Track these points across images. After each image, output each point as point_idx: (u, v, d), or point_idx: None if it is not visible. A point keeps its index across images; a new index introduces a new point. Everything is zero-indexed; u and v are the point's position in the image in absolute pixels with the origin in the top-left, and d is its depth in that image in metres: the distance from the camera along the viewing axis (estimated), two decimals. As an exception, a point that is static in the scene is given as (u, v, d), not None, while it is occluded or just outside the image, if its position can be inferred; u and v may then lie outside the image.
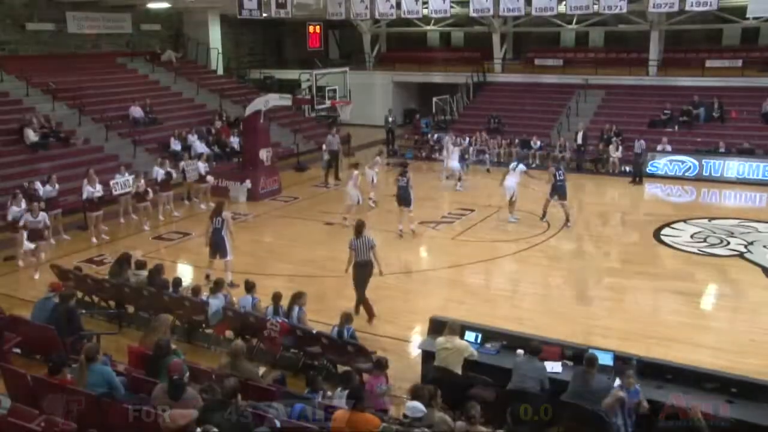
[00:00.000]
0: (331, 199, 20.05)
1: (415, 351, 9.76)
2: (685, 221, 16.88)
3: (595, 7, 25.74)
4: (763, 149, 21.70)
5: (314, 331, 9.39)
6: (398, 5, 29.13)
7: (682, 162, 21.89)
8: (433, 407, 6.61)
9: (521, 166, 17.16)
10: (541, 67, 30.21)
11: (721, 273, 13.51)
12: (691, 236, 15.70)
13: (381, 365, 7.89)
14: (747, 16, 24.35)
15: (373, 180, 18.95)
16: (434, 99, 29.80)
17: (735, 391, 7.38)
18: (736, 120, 23.92)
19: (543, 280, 13.60)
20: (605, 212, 18.72)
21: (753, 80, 25.01)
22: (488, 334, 8.82)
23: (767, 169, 20.80)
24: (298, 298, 9.82)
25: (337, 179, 21.87)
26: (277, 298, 9.86)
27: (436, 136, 26.07)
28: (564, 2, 26.27)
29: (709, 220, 16.78)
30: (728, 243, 15.03)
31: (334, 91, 22.24)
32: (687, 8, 24.31)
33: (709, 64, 26.79)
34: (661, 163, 22.10)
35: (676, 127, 23.97)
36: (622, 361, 7.95)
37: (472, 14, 28.51)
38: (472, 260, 14.31)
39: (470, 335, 8.69)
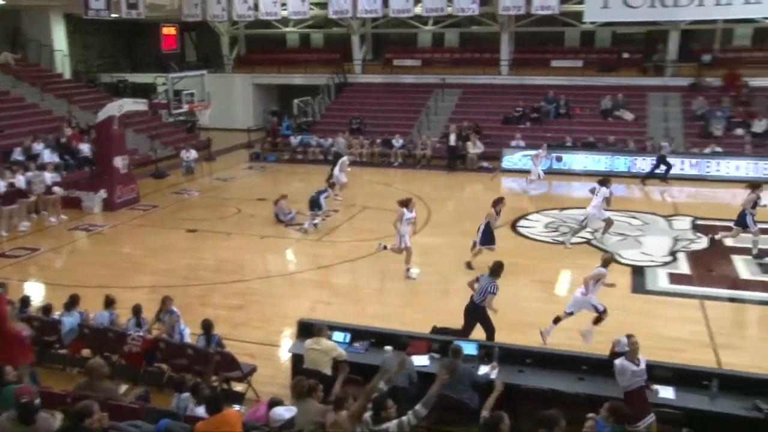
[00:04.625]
0: (192, 205, 19.46)
1: (285, 355, 9.67)
2: (539, 212, 17.85)
3: (449, 9, 26.70)
4: (604, 143, 23.37)
5: (180, 342, 9.06)
6: (256, 7, 28.78)
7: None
8: (314, 399, 6.66)
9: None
10: (400, 68, 30.84)
11: (573, 259, 14.38)
12: (545, 226, 16.63)
13: None
14: (584, 20, 26.20)
15: (340, 181, 19.20)
16: (295, 101, 29.66)
17: (585, 368, 7.88)
18: (580, 116, 25.63)
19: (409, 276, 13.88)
20: (466, 207, 19.37)
21: (592, 79, 27.00)
22: (357, 333, 8.88)
23: (608, 162, 22.42)
24: (165, 303, 9.47)
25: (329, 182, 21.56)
26: (137, 311, 9.42)
27: (329, 141, 25.72)
28: (420, 4, 27.01)
29: (560, 211, 17.83)
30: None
31: (192, 94, 21.61)
32: (533, 11, 25.87)
33: (554, 64, 28.55)
34: (515, 158, 23.24)
35: (528, 123, 25.32)
36: (485, 349, 8.29)
37: (332, 16, 28.69)
38: (339, 261, 14.37)
39: (339, 335, 8.71)
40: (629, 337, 7.32)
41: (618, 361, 7.23)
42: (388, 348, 8.09)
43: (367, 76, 30.67)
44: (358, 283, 13.67)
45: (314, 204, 16.61)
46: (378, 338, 8.69)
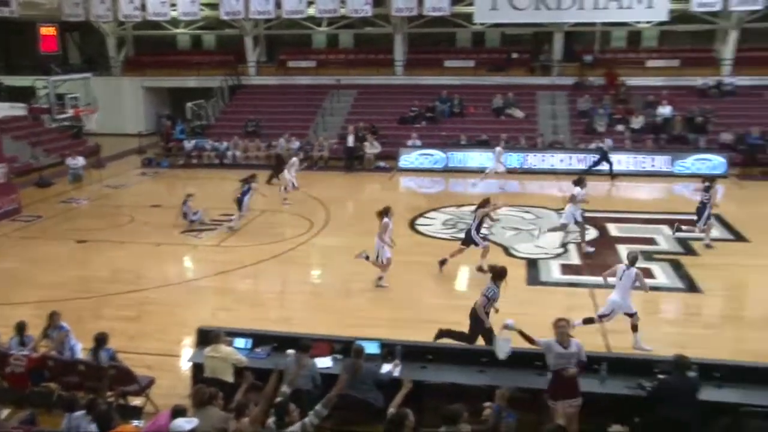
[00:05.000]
0: (82, 215, 18.60)
1: (185, 365, 9.40)
2: (437, 210, 18.20)
3: (343, 10, 26.82)
4: (497, 140, 24.05)
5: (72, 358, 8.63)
6: (143, 7, 27.83)
7: (432, 155, 23.58)
8: (215, 406, 6.55)
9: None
10: (295, 69, 30.67)
11: (470, 254, 14.72)
12: (443, 223, 16.98)
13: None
14: (474, 21, 26.96)
15: (293, 184, 19.10)
16: (188, 104, 28.89)
17: (485, 360, 8.10)
18: (473, 115, 26.34)
19: (310, 278, 13.85)
20: (365, 207, 19.45)
21: (484, 79, 27.81)
22: (258, 338, 8.76)
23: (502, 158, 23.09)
24: (52, 318, 8.99)
25: (270, 183, 21.10)
26: (21, 328, 8.90)
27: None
28: (313, 6, 26.96)
29: (457, 208, 18.24)
30: (474, 227, 16.49)
31: (77, 98, 20.63)
32: (425, 13, 26.42)
33: (447, 64, 29.21)
34: (412, 157, 23.60)
35: (424, 123, 25.77)
36: (387, 348, 8.37)
37: (223, 17, 28.21)
38: (239, 266, 14.12)
39: (240, 341, 8.57)
40: (557, 320, 7.54)
41: (545, 340, 7.47)
42: (290, 351, 8.02)
43: (261, 78, 30.28)
44: (259, 287, 13.49)
45: (239, 204, 16.39)
46: (280, 342, 8.59)
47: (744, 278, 13.12)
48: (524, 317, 8.81)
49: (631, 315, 10.10)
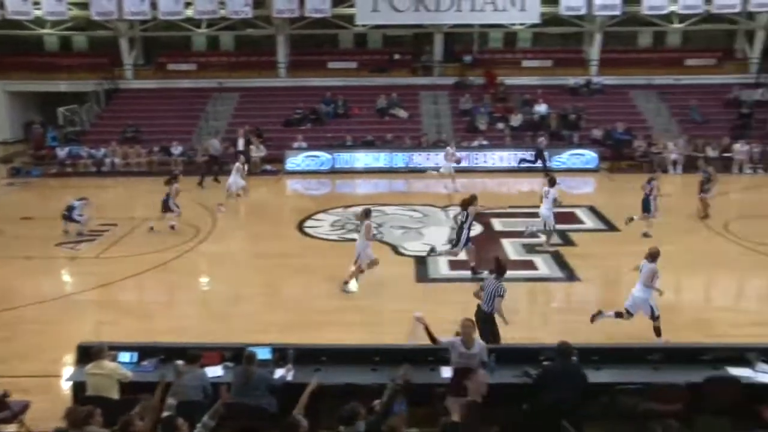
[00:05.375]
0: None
1: (65, 385, 8.89)
2: (325, 212, 18.18)
3: (222, 11, 26.29)
4: (382, 140, 24.40)
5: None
6: (2, 5, 26.08)
7: (318, 157, 23.54)
8: (94, 425, 6.25)
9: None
10: (175, 72, 29.69)
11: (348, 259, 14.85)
12: (331, 225, 16.98)
13: None
14: (356, 23, 27.16)
15: (232, 188, 18.49)
16: (60, 110, 27.37)
17: (377, 359, 8.17)
18: (358, 116, 26.53)
19: (198, 286, 13.48)
20: (252, 211, 19.19)
21: (367, 80, 28.09)
22: (145, 351, 8.41)
23: (387, 158, 23.44)
24: None
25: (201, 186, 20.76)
26: None
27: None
28: (191, 7, 26.23)
29: (345, 209, 18.29)
30: (363, 227, 16.61)
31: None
32: (306, 14, 26.36)
33: (330, 65, 29.24)
34: (299, 159, 23.46)
35: (309, 125, 25.68)
36: (280, 352, 8.27)
37: (95, 17, 27.00)
38: (122, 277, 13.52)
39: (125, 356, 8.19)
40: (464, 320, 7.66)
41: (449, 339, 7.59)
42: (179, 363, 7.76)
43: (139, 81, 29.11)
44: (144, 298, 13.00)
45: (164, 206, 16.11)
46: (168, 354, 8.28)
47: (617, 265, 13.92)
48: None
49: (653, 317, 9.99)
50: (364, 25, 28.10)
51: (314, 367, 8.09)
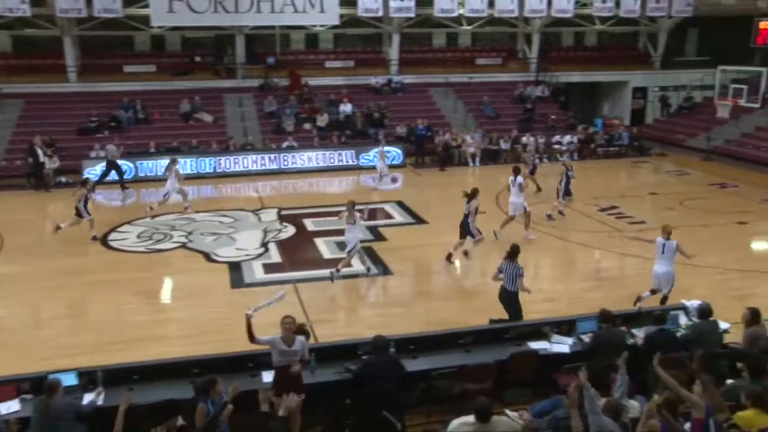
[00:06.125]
0: None
1: None
2: (130, 223, 17.23)
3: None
4: (188, 146, 23.58)
5: None
6: None
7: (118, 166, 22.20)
8: None
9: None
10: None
11: (171, 265, 14.29)
12: (138, 236, 16.13)
13: None
14: (152, 24, 25.90)
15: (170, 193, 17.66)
16: None
17: (196, 371, 7.90)
18: (160, 121, 25.42)
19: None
20: (48, 227, 17.67)
21: (168, 83, 26.96)
22: None
23: (194, 164, 22.66)
24: None
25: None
26: None
27: None
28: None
29: (152, 219, 17.44)
30: (171, 236, 15.98)
31: None
32: (95, 14, 24.65)
33: (126, 69, 27.64)
34: (98, 169, 21.95)
35: (107, 132, 24.15)
36: (87, 376, 7.73)
37: None
38: None
39: None
40: (284, 318, 7.58)
41: (268, 338, 7.50)
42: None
43: None
44: None
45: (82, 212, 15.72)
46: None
47: (427, 256, 14.63)
48: (233, 321, 8.80)
49: (666, 295, 10.99)
50: (160, 27, 26.93)
51: (128, 387, 7.67)
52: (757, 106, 23.74)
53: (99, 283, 13.12)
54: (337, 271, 12.97)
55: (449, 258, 14.00)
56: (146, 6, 25.19)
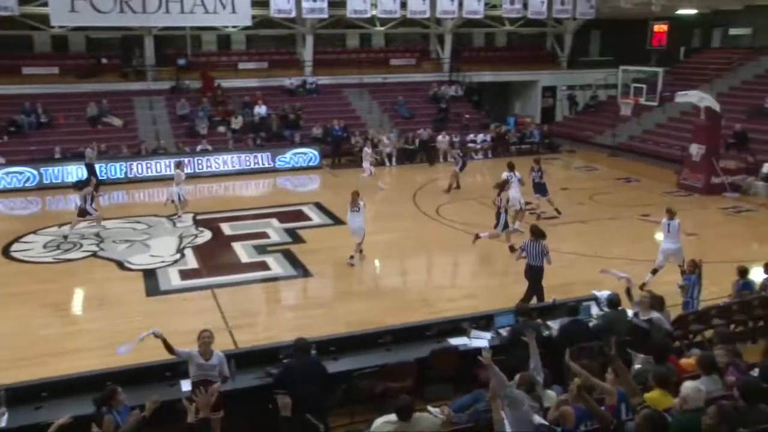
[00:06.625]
0: None
1: None
2: (35, 232, 16.45)
3: None
4: (97, 151, 22.67)
5: None
6: None
7: (21, 173, 21.19)
8: None
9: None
10: None
11: (81, 275, 13.73)
12: (44, 246, 15.41)
13: None
14: (52, 24, 24.75)
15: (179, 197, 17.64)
16: None
17: (110, 385, 7.58)
18: (65, 125, 24.38)
19: None
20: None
21: (72, 86, 25.84)
22: None
23: (103, 169, 21.73)
24: None
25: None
26: None
27: None
28: None
29: (59, 227, 16.71)
30: (81, 245, 15.35)
31: None
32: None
33: (26, 71, 26.30)
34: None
35: (6, 138, 22.96)
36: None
37: None
38: None
39: None
40: (201, 332, 7.43)
41: (186, 351, 7.36)
42: None
43: None
44: None
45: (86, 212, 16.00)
46: None
47: (345, 257, 14.56)
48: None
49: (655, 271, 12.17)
50: (61, 27, 25.77)
51: (35, 405, 7.32)
52: (655, 104, 24.87)
53: (2, 297, 12.45)
54: (353, 257, 13.97)
55: (476, 238, 14.57)
56: (45, 4, 24.01)
